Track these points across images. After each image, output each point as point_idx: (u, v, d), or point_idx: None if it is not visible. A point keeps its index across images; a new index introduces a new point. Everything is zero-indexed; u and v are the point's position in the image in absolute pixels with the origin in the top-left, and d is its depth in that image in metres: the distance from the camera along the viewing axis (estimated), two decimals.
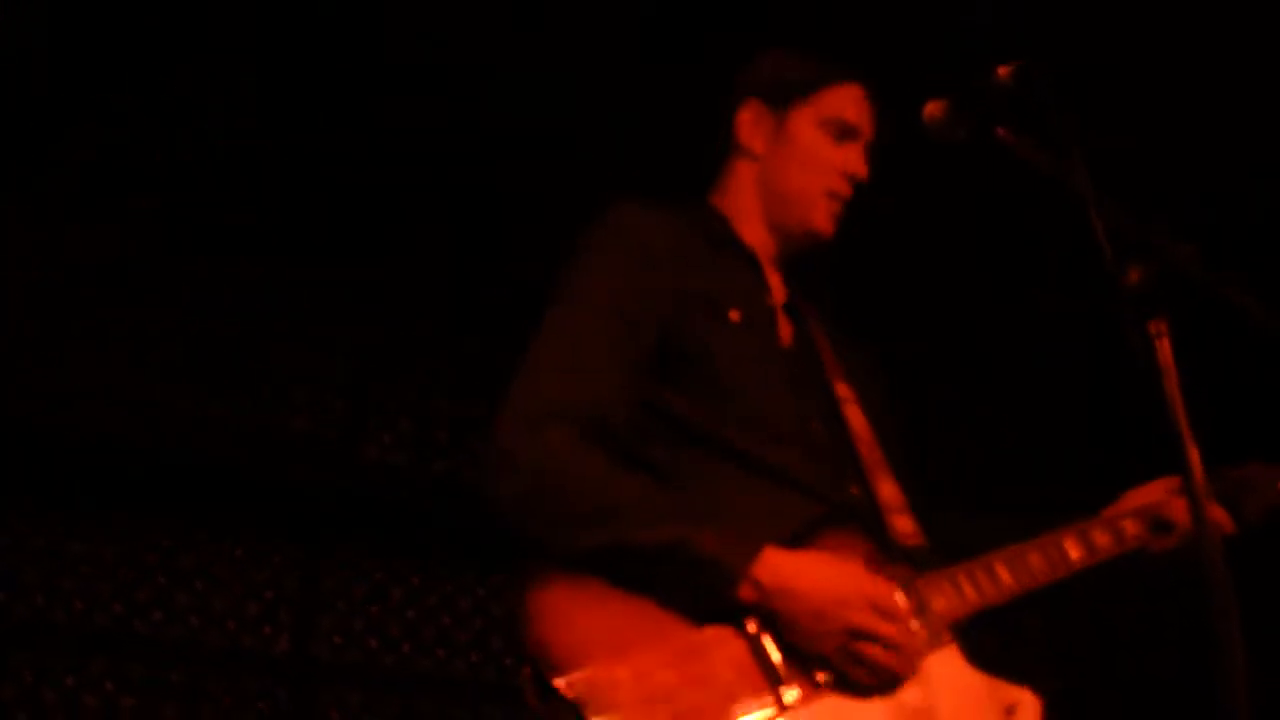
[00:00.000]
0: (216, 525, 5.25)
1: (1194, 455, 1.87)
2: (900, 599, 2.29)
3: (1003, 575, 2.44)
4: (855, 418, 2.61)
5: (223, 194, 5.21)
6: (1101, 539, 2.64)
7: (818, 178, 2.68)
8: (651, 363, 2.45)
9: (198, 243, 5.28)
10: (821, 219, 2.69)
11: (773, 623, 2.18)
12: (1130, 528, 2.69)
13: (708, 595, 2.17)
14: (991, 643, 2.45)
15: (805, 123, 2.72)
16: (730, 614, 2.18)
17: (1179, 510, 2.69)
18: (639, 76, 4.68)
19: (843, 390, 2.64)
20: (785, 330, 2.67)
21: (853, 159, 2.70)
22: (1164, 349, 1.89)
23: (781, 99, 2.75)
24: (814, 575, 2.20)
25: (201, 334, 5.35)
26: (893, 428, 2.74)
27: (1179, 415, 1.86)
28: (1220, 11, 4.44)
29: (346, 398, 5.60)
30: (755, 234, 2.74)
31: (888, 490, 2.52)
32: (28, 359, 4.98)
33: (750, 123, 2.77)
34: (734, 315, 2.54)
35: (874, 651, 2.18)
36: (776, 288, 2.73)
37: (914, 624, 2.29)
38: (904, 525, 2.46)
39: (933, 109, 2.54)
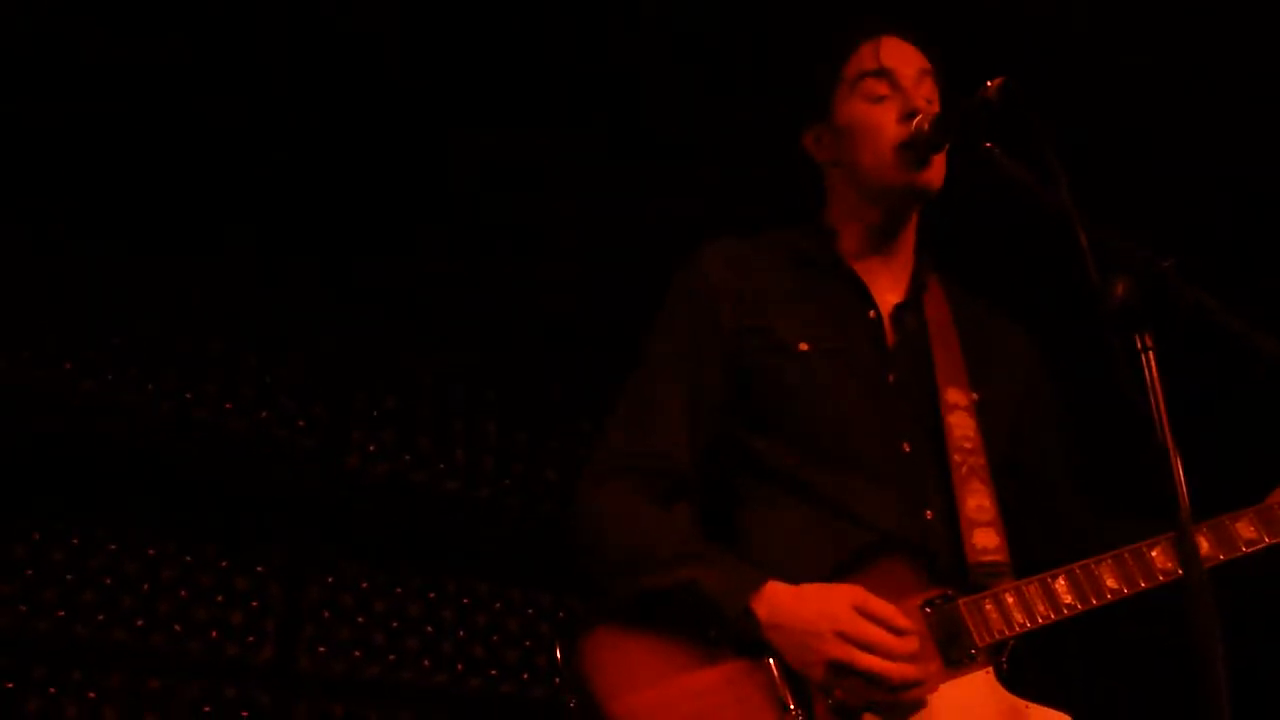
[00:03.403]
0: (200, 534, 5.24)
1: (1178, 468, 1.88)
2: (911, 626, 2.30)
3: (1061, 593, 2.43)
4: (959, 425, 2.60)
5: (204, 200, 5.20)
6: (1207, 545, 2.52)
7: (877, 138, 2.64)
8: (728, 401, 2.60)
9: (182, 248, 5.28)
10: (902, 173, 2.63)
11: (778, 655, 2.28)
12: (1245, 530, 2.57)
13: (719, 631, 2.30)
14: (1032, 666, 2.46)
15: (843, 106, 2.72)
16: (749, 647, 2.30)
17: None
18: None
19: (953, 395, 2.62)
20: (892, 338, 2.67)
21: (900, 100, 2.65)
22: (1149, 362, 1.91)
23: (822, 107, 2.77)
24: (803, 609, 2.28)
25: (186, 341, 5.36)
26: (1030, 421, 2.77)
27: (1164, 428, 1.87)
28: (1206, 32, 4.47)
29: (330, 407, 5.60)
30: (858, 238, 2.75)
31: (975, 503, 2.52)
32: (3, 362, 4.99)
33: (814, 142, 2.81)
34: (803, 346, 2.59)
35: (857, 682, 2.24)
36: (890, 290, 2.73)
37: (929, 650, 2.32)
38: (985, 540, 2.48)
39: (921, 122, 2.57)
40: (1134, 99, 4.63)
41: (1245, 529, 2.55)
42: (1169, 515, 1.92)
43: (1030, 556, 2.50)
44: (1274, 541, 2.55)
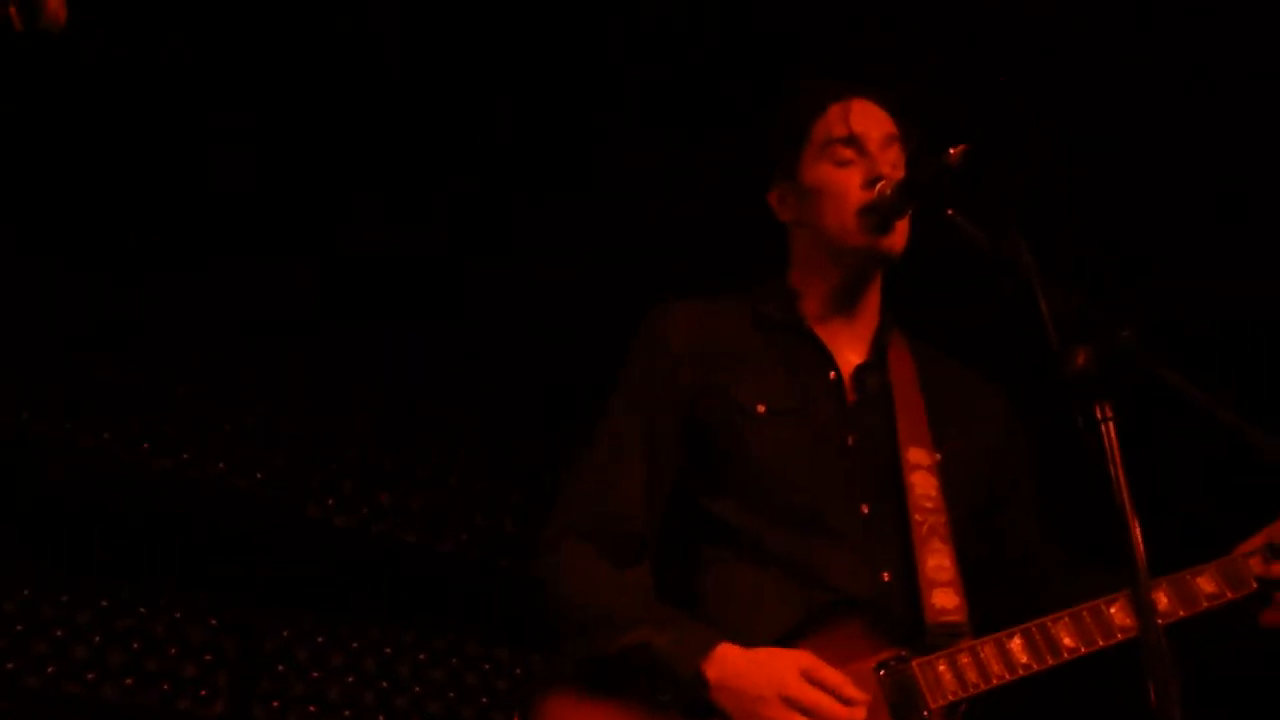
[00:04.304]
0: (153, 585, 5.18)
1: (1137, 536, 1.89)
2: (860, 696, 2.29)
3: (1017, 652, 2.41)
4: (921, 485, 2.59)
5: (169, 249, 5.19)
6: (1166, 601, 2.49)
7: (842, 202, 2.64)
8: (686, 463, 2.62)
9: (142, 294, 5.25)
10: (865, 237, 2.63)
11: (727, 717, 2.28)
12: (1206, 585, 2.53)
13: (671, 694, 2.32)
14: None
15: (810, 167, 2.73)
16: (699, 710, 2.29)
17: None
18: None
19: (915, 455, 2.62)
20: (853, 398, 2.67)
21: (866, 166, 2.66)
22: (1109, 432, 1.92)
23: (787, 166, 2.78)
24: (752, 673, 2.28)
25: (146, 388, 5.32)
26: (1001, 478, 2.76)
27: (1124, 498, 1.88)
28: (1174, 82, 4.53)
29: (290, 458, 5.57)
30: (821, 299, 2.75)
31: (935, 563, 2.52)
32: None
33: (779, 201, 2.82)
34: (760, 408, 2.60)
35: None
36: (852, 350, 2.73)
37: (881, 715, 2.31)
38: (944, 600, 2.48)
39: (883, 188, 2.59)
40: (1134, 99, 4.65)
41: (1207, 584, 2.53)
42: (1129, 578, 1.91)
43: (1002, 615, 2.48)
44: (1236, 597, 2.53)
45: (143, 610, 5.15)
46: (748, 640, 2.34)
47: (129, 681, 5.02)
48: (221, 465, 5.39)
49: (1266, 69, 4.47)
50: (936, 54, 4.46)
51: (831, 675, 2.28)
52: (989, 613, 2.50)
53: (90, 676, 4.97)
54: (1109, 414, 1.93)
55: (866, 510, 2.56)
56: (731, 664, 2.29)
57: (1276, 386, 4.88)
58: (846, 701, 2.27)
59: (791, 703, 2.24)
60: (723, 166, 4.49)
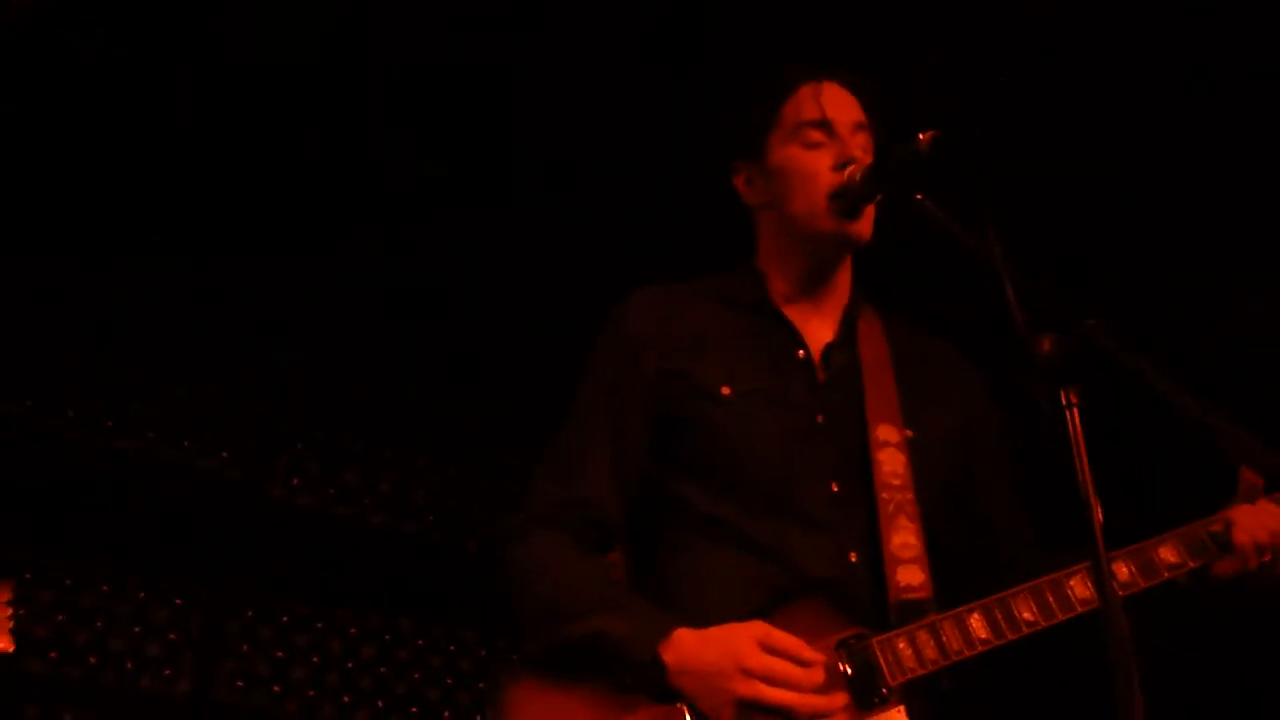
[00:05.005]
0: (118, 563, 5.16)
1: (1099, 522, 1.91)
2: (818, 657, 2.31)
3: (976, 628, 2.43)
4: (888, 462, 2.60)
5: (133, 231, 5.15)
6: (1127, 572, 2.52)
7: (811, 187, 2.65)
8: (654, 448, 2.62)
9: (107, 276, 5.22)
10: (833, 222, 2.64)
11: (689, 700, 2.30)
12: (1167, 555, 2.56)
13: (632, 680, 2.33)
14: (943, 703, 2.45)
15: (778, 149, 2.73)
16: (662, 694, 2.31)
17: (1243, 525, 2.57)
18: None
19: (884, 432, 2.63)
20: (822, 377, 2.68)
21: (836, 149, 2.66)
22: (1074, 418, 1.94)
23: (753, 146, 2.78)
24: (708, 652, 2.29)
25: (110, 368, 5.29)
26: (973, 453, 2.77)
27: (1087, 483, 1.90)
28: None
29: (255, 438, 5.55)
30: (788, 280, 2.76)
31: (901, 540, 2.53)
32: None
33: (745, 183, 2.82)
34: (725, 390, 2.60)
35: (767, 718, 2.25)
36: (821, 330, 2.74)
37: (840, 687, 2.33)
38: (909, 577, 2.50)
39: (853, 172, 2.59)
40: (1134, 99, 4.67)
41: (1168, 554, 2.55)
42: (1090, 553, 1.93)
43: (974, 590, 2.49)
44: (1196, 565, 2.55)
45: (106, 589, 5.12)
46: (719, 622, 2.35)
47: (92, 660, 5.00)
48: (186, 444, 5.37)
49: (1267, 69, 4.49)
50: (936, 54, 4.47)
51: (785, 640, 2.30)
52: (961, 590, 2.51)
53: (53, 655, 4.94)
54: (1074, 400, 1.94)
55: (836, 489, 2.57)
56: (687, 647, 2.30)
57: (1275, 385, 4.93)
58: (804, 664, 2.29)
59: (750, 673, 2.26)
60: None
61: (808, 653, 2.31)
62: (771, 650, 2.29)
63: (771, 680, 2.26)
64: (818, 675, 2.30)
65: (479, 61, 4.65)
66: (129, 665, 5.08)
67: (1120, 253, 5.26)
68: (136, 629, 5.12)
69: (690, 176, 2.86)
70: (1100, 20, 4.38)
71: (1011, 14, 4.36)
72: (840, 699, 2.32)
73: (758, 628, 2.31)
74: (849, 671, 2.36)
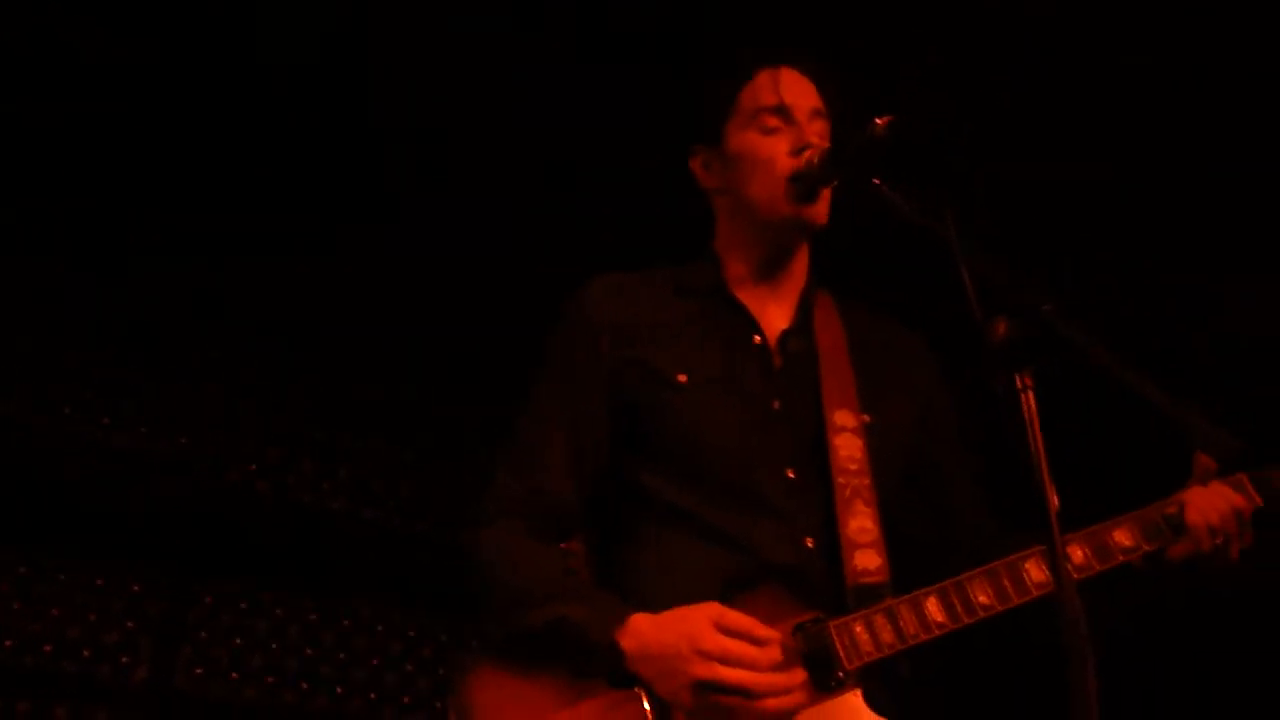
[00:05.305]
0: (75, 551, 5.13)
1: (1054, 506, 1.92)
2: (773, 635, 2.32)
3: (932, 612, 2.43)
4: (845, 447, 2.61)
5: (97, 215, 5.12)
6: (1082, 555, 2.52)
7: (768, 172, 2.65)
8: (612, 436, 2.62)
9: (68, 260, 5.19)
10: (790, 206, 2.64)
11: (647, 684, 2.31)
12: (1122, 538, 2.57)
13: (591, 666, 2.34)
14: (900, 687, 2.47)
15: (736, 134, 2.73)
16: (625, 679, 2.32)
17: (1195, 507, 2.58)
18: None
19: (841, 417, 2.63)
20: (778, 363, 2.68)
21: (793, 134, 2.67)
22: (1028, 401, 1.95)
23: (712, 130, 2.78)
24: (664, 635, 2.30)
25: (67, 354, 5.25)
26: (929, 437, 2.77)
27: (1042, 466, 1.91)
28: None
29: (213, 423, 5.52)
30: (745, 266, 2.76)
31: (857, 525, 2.54)
32: None
33: (702, 167, 2.82)
34: (681, 377, 2.60)
35: (728, 702, 2.26)
36: (778, 316, 2.74)
37: (795, 673, 2.33)
38: (865, 561, 2.50)
39: (811, 157, 2.60)
40: (1134, 99, 4.69)
41: (1123, 537, 2.56)
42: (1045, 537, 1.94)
43: (934, 576, 2.49)
44: (1151, 548, 2.56)
45: (62, 577, 5.09)
46: (673, 608, 2.35)
47: (48, 649, 4.97)
48: (143, 430, 5.33)
49: (1267, 69, 4.52)
50: (936, 54, 4.48)
51: (740, 620, 2.31)
52: (920, 576, 2.51)
53: (9, 644, 4.92)
54: (1029, 383, 1.95)
55: (793, 475, 2.57)
56: (644, 631, 2.31)
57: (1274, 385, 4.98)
58: (759, 642, 2.30)
59: (707, 654, 2.26)
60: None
61: (763, 631, 2.31)
62: (726, 631, 2.29)
63: (727, 660, 2.26)
64: (774, 654, 2.30)
65: (479, 61, 4.65)
66: (87, 653, 5.05)
67: (1113, 249, 5.29)
68: (92, 616, 5.09)
69: (690, 176, 2.84)
70: (1091, 18, 4.41)
71: (1011, 14, 4.38)
72: (798, 676, 2.32)
73: (712, 609, 2.31)
74: (806, 655, 2.37)
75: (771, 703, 2.28)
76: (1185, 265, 5.26)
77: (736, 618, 2.31)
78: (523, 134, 4.91)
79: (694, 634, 2.28)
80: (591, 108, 4.76)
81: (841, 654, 2.38)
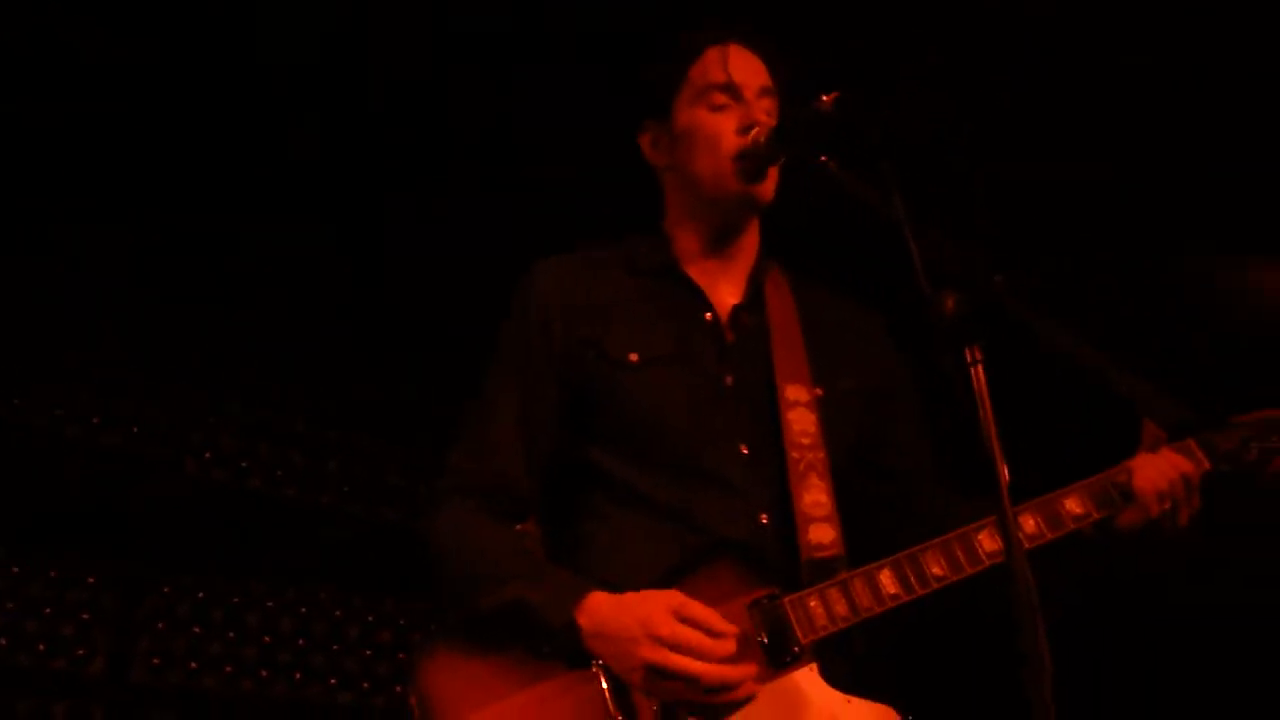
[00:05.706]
0: (29, 543, 5.09)
1: (1004, 478, 1.94)
2: (730, 628, 2.33)
3: (886, 584, 2.46)
4: (798, 421, 2.62)
5: (57, 200, 5.09)
6: (1033, 524, 2.55)
7: (715, 148, 2.66)
8: (564, 416, 2.64)
9: (24, 247, 5.15)
10: (736, 183, 2.65)
11: (604, 663, 2.33)
12: (1073, 506, 2.60)
13: (550, 645, 2.36)
14: (861, 660, 2.49)
15: (684, 111, 2.74)
16: (578, 658, 2.35)
17: (1143, 473, 2.61)
18: None
19: (793, 392, 2.64)
20: (730, 339, 2.69)
21: (741, 112, 2.67)
22: (978, 375, 1.96)
23: (661, 106, 2.78)
24: (621, 616, 2.32)
25: (17, 341, 5.20)
26: (884, 409, 2.78)
27: (992, 439, 1.93)
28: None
29: (169, 413, 5.48)
30: (694, 242, 2.77)
31: (811, 499, 2.56)
32: None
33: (650, 143, 2.82)
34: (633, 356, 2.62)
35: (675, 685, 2.28)
36: (729, 292, 2.75)
37: (752, 651, 2.35)
38: (820, 535, 2.52)
39: (757, 135, 2.60)
40: (1134, 99, 4.72)
41: (1074, 505, 2.59)
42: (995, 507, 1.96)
43: (890, 548, 2.51)
44: (1101, 516, 2.60)
45: (16, 570, 5.05)
46: (631, 587, 2.37)
47: (3, 642, 4.93)
48: (95, 420, 5.29)
49: (1267, 69, 4.55)
50: (936, 54, 4.49)
51: (699, 611, 2.32)
52: (874, 549, 2.53)
53: None
54: (978, 357, 1.97)
55: (746, 451, 2.59)
56: (603, 610, 2.33)
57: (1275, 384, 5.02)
58: (715, 635, 2.31)
59: (660, 640, 2.28)
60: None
61: (720, 624, 2.33)
62: (684, 620, 2.31)
63: (679, 648, 2.28)
64: (728, 646, 2.32)
65: (478, 61, 4.64)
66: (42, 647, 5.01)
67: (1112, 248, 5.33)
68: (48, 610, 5.05)
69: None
70: (1091, 18, 4.44)
71: (1011, 14, 4.39)
72: (750, 669, 2.34)
73: (673, 597, 2.33)
74: (761, 632, 2.38)
75: (723, 696, 2.30)
76: (1185, 265, 5.31)
77: (696, 608, 2.32)
78: (522, 134, 4.91)
79: (650, 618, 2.30)
80: (591, 108, 4.75)
81: (796, 628, 2.40)
